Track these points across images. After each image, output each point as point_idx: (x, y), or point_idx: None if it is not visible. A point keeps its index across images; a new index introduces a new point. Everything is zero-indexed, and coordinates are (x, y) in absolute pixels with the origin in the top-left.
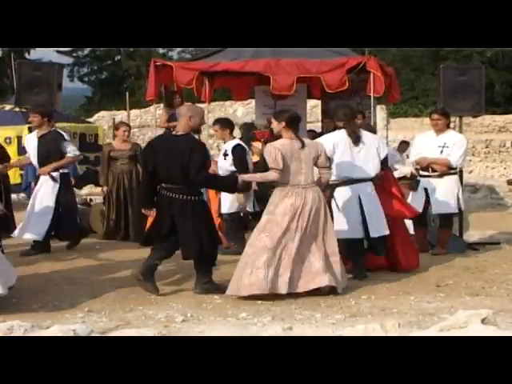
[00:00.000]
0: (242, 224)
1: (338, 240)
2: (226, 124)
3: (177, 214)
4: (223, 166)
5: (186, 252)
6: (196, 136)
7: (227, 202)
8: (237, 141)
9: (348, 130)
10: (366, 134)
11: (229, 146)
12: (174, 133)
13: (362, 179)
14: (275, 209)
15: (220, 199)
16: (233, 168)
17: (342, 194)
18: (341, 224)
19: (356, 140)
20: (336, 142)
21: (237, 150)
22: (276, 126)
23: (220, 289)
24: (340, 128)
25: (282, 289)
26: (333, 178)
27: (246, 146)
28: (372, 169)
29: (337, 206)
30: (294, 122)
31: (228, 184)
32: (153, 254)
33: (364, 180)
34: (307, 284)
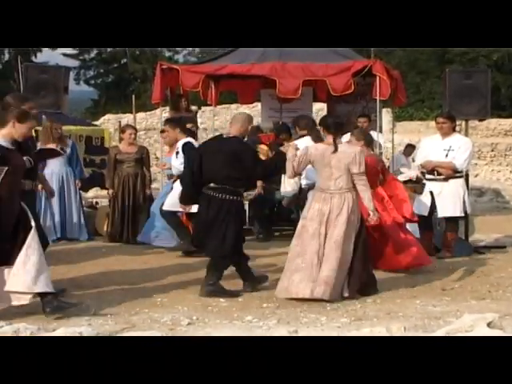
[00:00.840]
0: None
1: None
2: (175, 123)
3: (213, 212)
4: (175, 164)
5: (208, 247)
6: None
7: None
8: (188, 139)
9: (313, 136)
10: None
11: (180, 144)
12: (224, 135)
13: None
14: (306, 213)
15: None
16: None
17: (310, 197)
18: None
19: None
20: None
21: (186, 147)
22: (321, 130)
23: (228, 294)
24: (304, 136)
25: (309, 293)
26: (305, 182)
27: (195, 144)
28: None
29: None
30: (333, 128)
31: (282, 163)
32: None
33: None
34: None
